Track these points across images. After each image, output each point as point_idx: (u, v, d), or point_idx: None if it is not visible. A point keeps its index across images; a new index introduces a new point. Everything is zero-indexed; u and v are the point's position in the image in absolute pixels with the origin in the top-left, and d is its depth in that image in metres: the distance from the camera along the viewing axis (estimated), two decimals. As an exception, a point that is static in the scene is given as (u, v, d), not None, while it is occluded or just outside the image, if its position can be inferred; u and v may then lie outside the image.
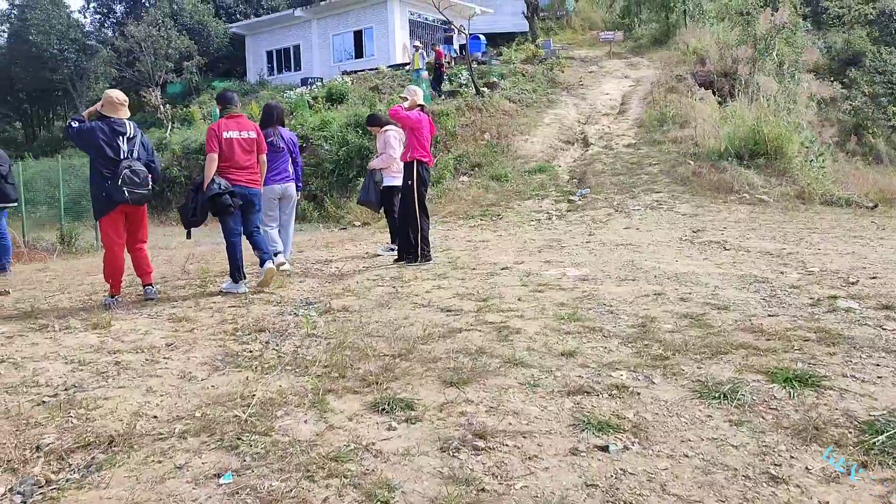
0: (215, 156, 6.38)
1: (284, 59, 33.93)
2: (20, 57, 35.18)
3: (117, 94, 6.19)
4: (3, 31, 38.77)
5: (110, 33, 37.29)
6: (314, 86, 27.95)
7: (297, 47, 33.39)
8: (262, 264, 6.58)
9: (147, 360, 4.38)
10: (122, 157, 5.98)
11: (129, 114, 6.29)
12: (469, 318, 5.13)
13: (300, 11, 32.15)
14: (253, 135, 6.62)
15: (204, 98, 30.40)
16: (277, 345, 4.66)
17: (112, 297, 6.22)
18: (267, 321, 5.26)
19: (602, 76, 23.61)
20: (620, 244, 8.68)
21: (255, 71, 34.12)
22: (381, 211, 8.92)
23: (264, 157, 6.80)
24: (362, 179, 9.67)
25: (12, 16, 37.59)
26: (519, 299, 5.69)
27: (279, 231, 7.74)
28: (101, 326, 5.23)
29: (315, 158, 18.38)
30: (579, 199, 13.03)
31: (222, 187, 6.29)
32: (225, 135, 6.48)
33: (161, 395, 3.77)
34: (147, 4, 37.21)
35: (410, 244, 7.83)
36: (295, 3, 33.89)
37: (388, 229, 9.27)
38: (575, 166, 15.85)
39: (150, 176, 6.07)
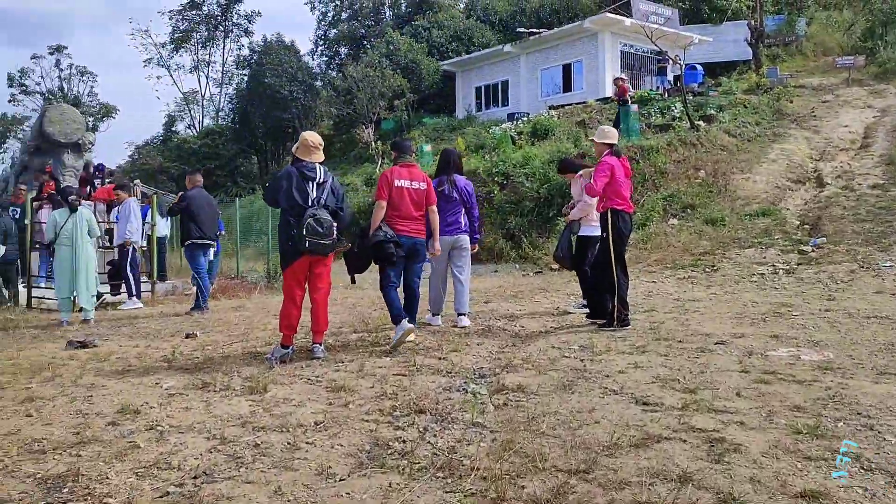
0: (384, 203, 6.22)
1: (493, 95, 34.11)
2: (256, 97, 38.63)
3: (312, 137, 5.94)
4: (245, 75, 42.95)
5: (334, 74, 39.90)
6: (520, 121, 27.68)
7: (505, 82, 33.43)
8: (395, 322, 6.15)
9: (289, 443, 3.85)
10: (309, 203, 5.68)
11: (322, 157, 6.02)
12: (671, 418, 4.08)
13: (510, 47, 32.19)
14: (423, 186, 6.37)
15: (413, 134, 31.28)
16: (435, 434, 3.94)
17: (283, 346, 5.91)
18: (430, 399, 4.58)
19: (839, 106, 20.89)
20: (872, 316, 7.04)
21: (464, 106, 34.63)
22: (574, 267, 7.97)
23: (434, 208, 6.49)
24: (562, 220, 8.77)
25: (252, 60, 41.54)
26: (738, 394, 4.52)
27: (455, 284, 7.31)
28: (257, 391, 4.85)
29: (515, 196, 17.84)
30: (813, 251, 11.20)
31: (388, 236, 6.06)
32: (396, 183, 6.23)
33: (289, 501, 3.18)
34: (368, 46, 39.40)
35: (604, 304, 6.87)
36: (505, 40, 34.04)
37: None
38: (806, 210, 13.86)
39: (335, 225, 5.70)
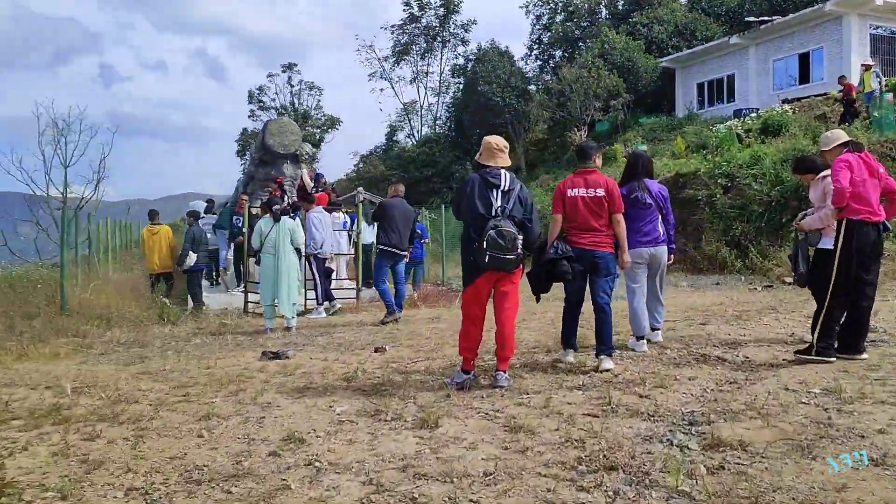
0: (559, 217, 5.71)
1: (717, 91, 31.59)
2: (470, 104, 39.17)
3: (496, 140, 5.42)
4: (460, 83, 43.78)
5: (548, 78, 39.34)
6: (748, 117, 25.27)
7: (731, 77, 30.80)
8: (598, 354, 5.76)
9: (449, 499, 3.27)
10: (493, 213, 5.13)
11: (508, 162, 5.45)
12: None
13: (737, 38, 29.60)
14: (601, 192, 5.62)
15: (629, 135, 29.81)
16: (627, 502, 3.16)
17: (464, 371, 5.39)
18: (624, 451, 3.78)
19: None
20: None
21: (684, 104, 32.45)
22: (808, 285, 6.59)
23: (619, 216, 5.70)
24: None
25: (467, 69, 42.20)
26: None
27: (648, 302, 6.50)
28: (428, 425, 4.34)
29: (741, 200, 16.05)
30: None
31: (560, 251, 5.52)
32: (569, 193, 5.66)
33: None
34: (582, 47, 38.36)
35: (850, 333, 5.61)
36: (731, 31, 31.41)
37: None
38: None
39: (519, 238, 5.08)
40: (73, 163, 14.88)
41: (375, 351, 7.05)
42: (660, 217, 6.36)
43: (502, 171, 5.29)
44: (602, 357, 5.69)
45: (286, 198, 14.53)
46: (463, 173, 44.45)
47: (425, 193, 40.47)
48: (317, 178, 15.80)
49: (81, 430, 4.56)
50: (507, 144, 5.50)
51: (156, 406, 5.13)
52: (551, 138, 35.83)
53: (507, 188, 5.24)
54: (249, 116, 53.79)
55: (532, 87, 34.75)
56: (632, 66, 31.98)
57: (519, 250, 5.06)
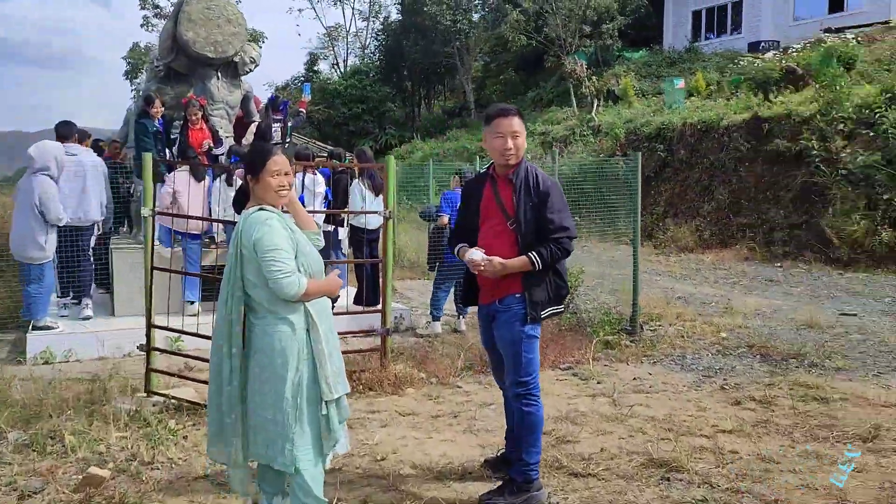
0: None
1: (718, 20, 26.59)
2: (413, 29, 32.85)
3: None
4: (399, 4, 36.97)
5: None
6: (774, 51, 20.42)
7: (736, 4, 25.80)
8: None
9: None
10: None
11: None
12: None
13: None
14: None
15: (618, 70, 24.40)
16: None
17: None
18: None
19: None
20: None
21: (676, 36, 27.30)
22: None
23: None
24: None
25: (407, -15, 35.39)
26: None
27: None
28: None
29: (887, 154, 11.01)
30: None
31: None
32: None
33: None
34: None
35: None
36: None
37: None
38: None
39: None
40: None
41: None
42: None
43: None
44: None
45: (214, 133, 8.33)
46: (399, 112, 38.18)
47: (356, 133, 34.10)
48: (270, 105, 9.28)
49: None
50: None
51: None
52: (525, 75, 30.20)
53: None
54: (142, 26, 40.81)
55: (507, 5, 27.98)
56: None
57: None
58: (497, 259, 3.40)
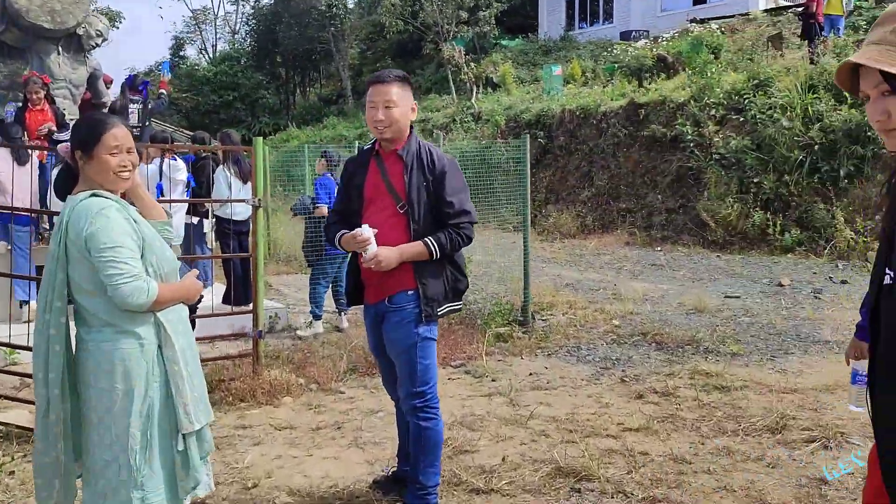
0: None
1: (590, 9, 27.10)
2: (286, 14, 31.58)
3: None
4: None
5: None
6: (644, 40, 20.97)
7: (608, -6, 26.42)
8: None
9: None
10: None
11: None
12: None
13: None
14: None
15: (496, 57, 24.38)
16: None
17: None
18: None
19: None
20: None
21: (557, 23, 27.60)
22: None
23: None
24: None
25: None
26: None
27: None
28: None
29: (754, 140, 11.32)
30: None
31: None
32: None
33: None
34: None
35: None
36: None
37: None
38: None
39: None
40: None
41: None
42: None
43: None
44: None
45: (59, 117, 7.37)
46: (272, 99, 36.69)
47: (228, 122, 32.46)
48: (128, 85, 8.22)
49: None
50: None
51: None
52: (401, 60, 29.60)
53: None
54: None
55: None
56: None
57: None
58: (385, 249, 2.87)
